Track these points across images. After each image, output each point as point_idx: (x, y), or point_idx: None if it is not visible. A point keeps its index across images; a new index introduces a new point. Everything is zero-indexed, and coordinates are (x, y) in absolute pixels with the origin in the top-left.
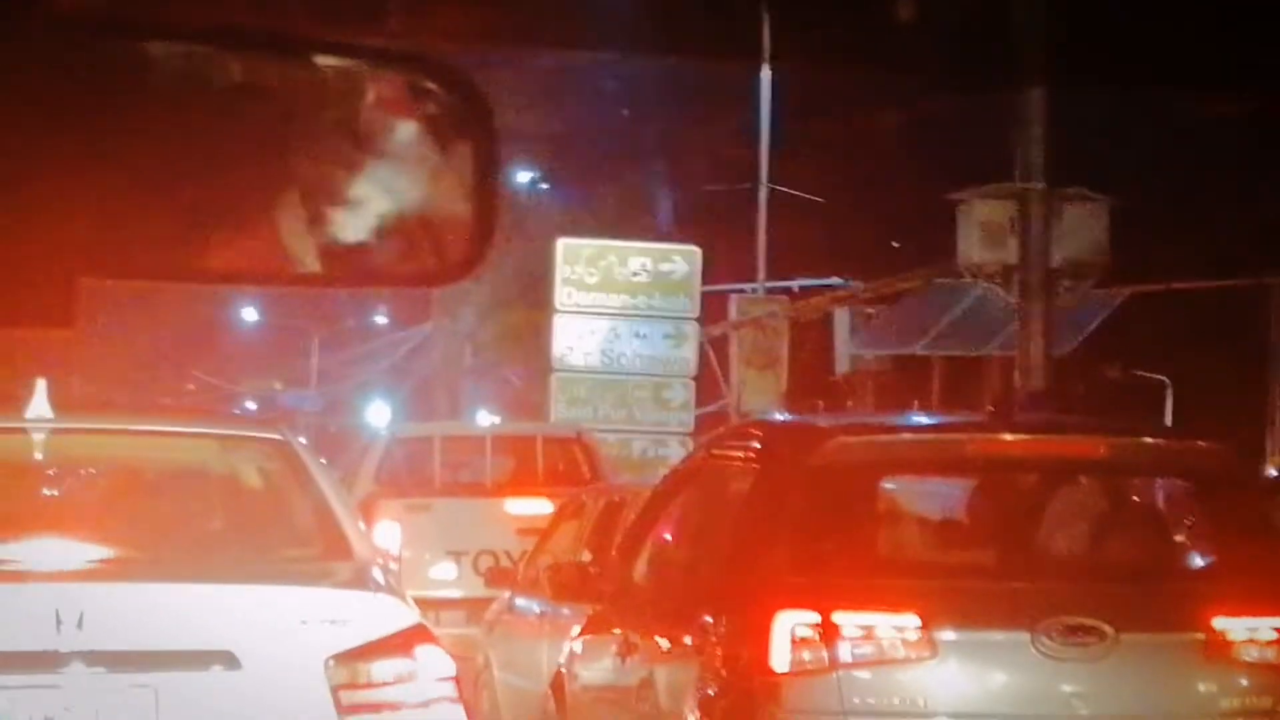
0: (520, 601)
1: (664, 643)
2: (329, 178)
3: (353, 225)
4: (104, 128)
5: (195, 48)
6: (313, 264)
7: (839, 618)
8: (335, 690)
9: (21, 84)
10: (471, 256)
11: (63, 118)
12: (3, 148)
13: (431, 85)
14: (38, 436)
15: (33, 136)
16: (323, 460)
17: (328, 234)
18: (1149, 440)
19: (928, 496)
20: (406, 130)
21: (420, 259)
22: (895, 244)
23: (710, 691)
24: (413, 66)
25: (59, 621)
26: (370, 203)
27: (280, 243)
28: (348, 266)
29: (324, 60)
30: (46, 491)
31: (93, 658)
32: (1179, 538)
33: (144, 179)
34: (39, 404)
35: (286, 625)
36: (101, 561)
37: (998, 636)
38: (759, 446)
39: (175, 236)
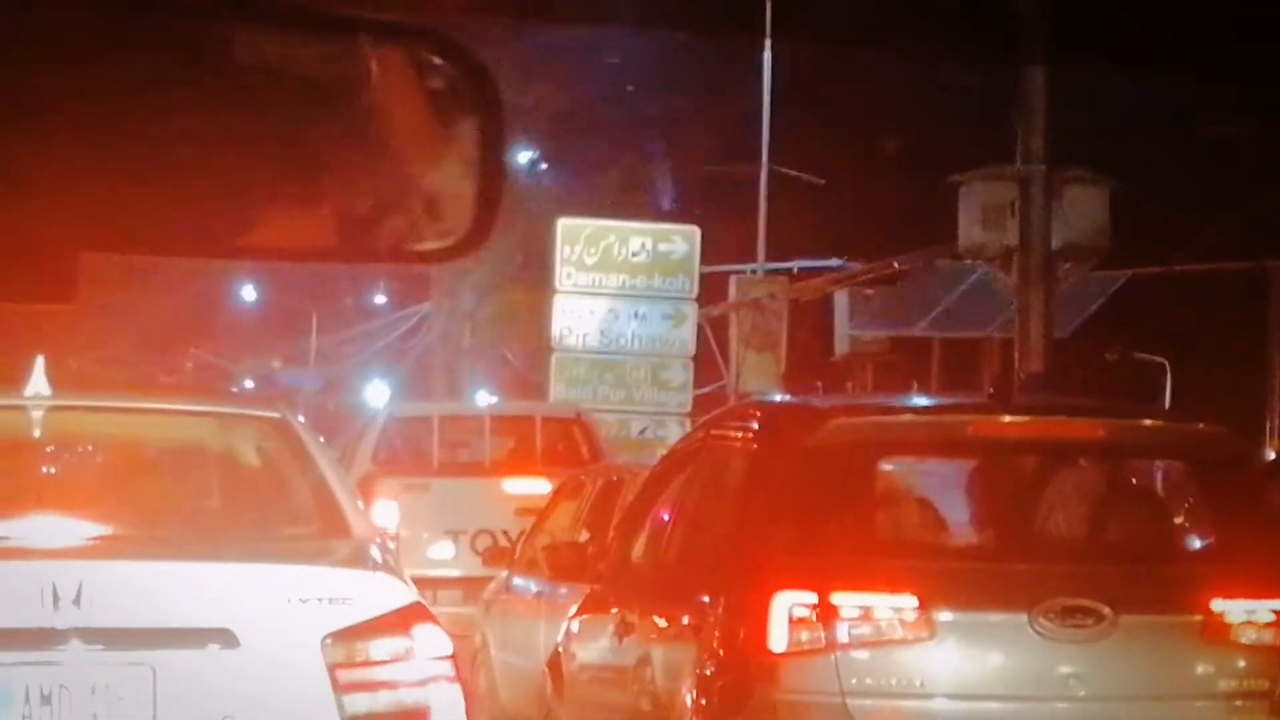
0: (518, 581)
1: (662, 623)
2: (332, 152)
3: (355, 201)
4: (105, 101)
5: (195, 20)
6: (315, 239)
7: (837, 598)
8: (332, 668)
9: (22, 58)
10: (475, 234)
11: (64, 91)
12: (4, 122)
13: (436, 60)
14: (36, 414)
15: (34, 111)
16: (321, 439)
17: (330, 209)
18: (1148, 422)
19: (926, 477)
20: (410, 105)
21: (423, 236)
22: (894, 225)
23: (708, 671)
24: (418, 40)
25: (56, 598)
26: (373, 178)
27: (283, 218)
28: (350, 242)
29: (327, 33)
30: (45, 469)
31: (90, 635)
32: (1178, 520)
33: (145, 153)
34: (37, 381)
35: (284, 603)
36: (99, 539)
37: (996, 618)
38: (757, 427)
39: (177, 211)
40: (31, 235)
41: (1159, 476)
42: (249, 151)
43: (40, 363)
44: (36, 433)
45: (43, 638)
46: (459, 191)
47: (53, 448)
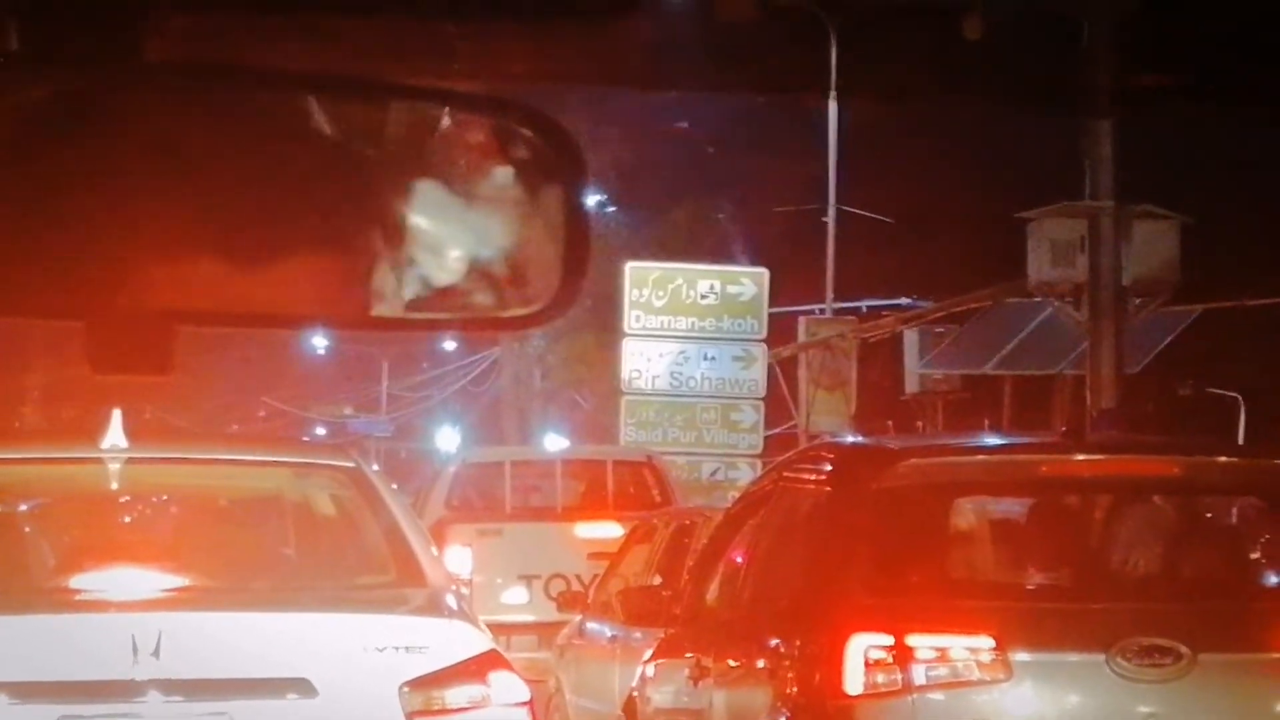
0: (592, 625)
1: (736, 666)
2: (419, 223)
3: (442, 269)
4: (202, 176)
5: (287, 96)
6: (402, 309)
7: (913, 640)
8: (410, 717)
9: (118, 134)
10: (561, 298)
11: (160, 168)
12: (101, 199)
13: (522, 129)
14: (113, 466)
15: (134, 185)
16: (394, 486)
17: (417, 279)
18: (1223, 459)
19: (1001, 518)
20: (496, 175)
21: (508, 303)
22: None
23: (783, 715)
24: (503, 111)
25: (135, 650)
26: (459, 247)
27: (371, 288)
28: (437, 311)
29: (413, 104)
30: (122, 520)
31: (169, 686)
32: (1254, 556)
33: (237, 228)
34: (114, 434)
35: (361, 652)
36: (177, 590)
37: (1073, 658)
38: (830, 469)
39: (269, 284)
40: (128, 310)
41: (1235, 513)
42: (335, 224)
43: (117, 415)
44: (114, 485)
45: (123, 689)
46: (547, 258)
47: (129, 499)
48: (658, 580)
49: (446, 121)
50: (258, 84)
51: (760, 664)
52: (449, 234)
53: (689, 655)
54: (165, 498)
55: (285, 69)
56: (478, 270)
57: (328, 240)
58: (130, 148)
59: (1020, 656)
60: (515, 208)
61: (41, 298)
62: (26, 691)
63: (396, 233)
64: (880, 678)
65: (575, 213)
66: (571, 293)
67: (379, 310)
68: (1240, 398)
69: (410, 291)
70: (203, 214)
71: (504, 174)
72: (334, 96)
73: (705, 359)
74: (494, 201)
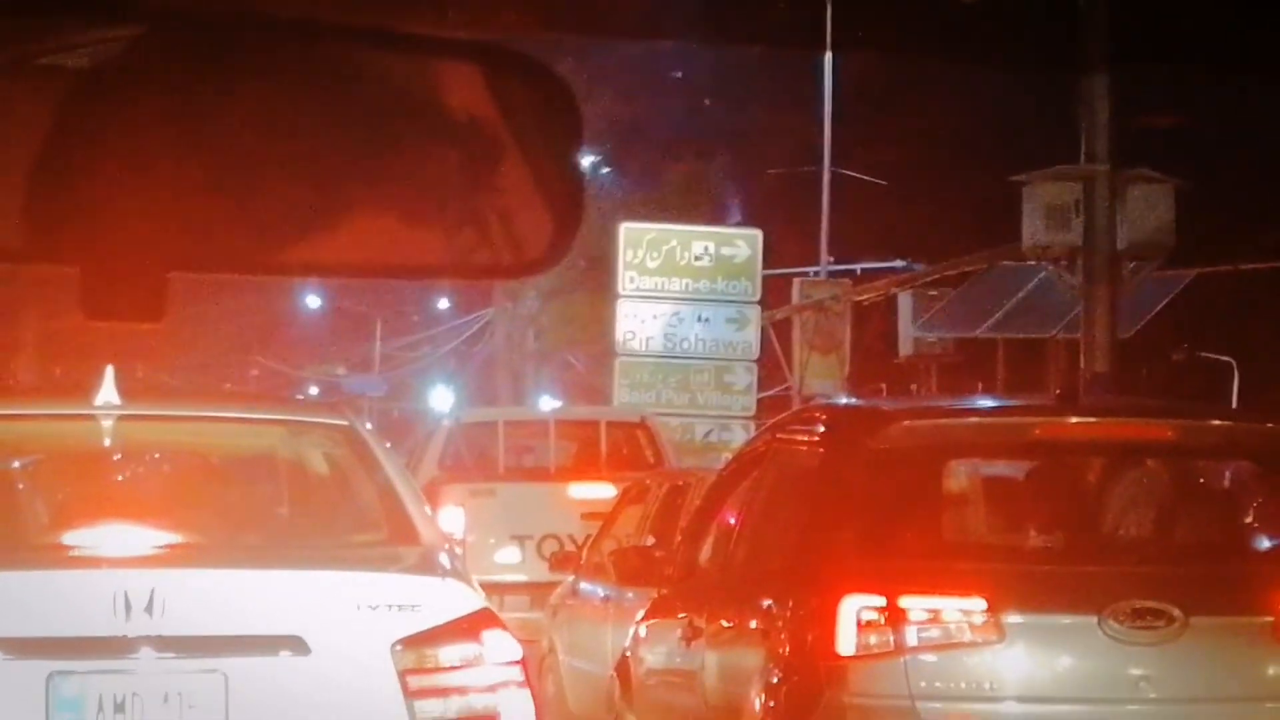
0: (585, 586)
1: (729, 627)
2: (412, 172)
3: (434, 218)
4: (192, 124)
5: (279, 43)
6: (393, 256)
7: (905, 601)
8: (403, 674)
9: (114, 85)
10: (553, 250)
11: (154, 114)
12: (98, 146)
13: (516, 78)
14: (106, 423)
15: (125, 133)
16: (388, 445)
17: (408, 226)
18: (1216, 422)
19: (993, 480)
20: (490, 124)
21: (502, 252)
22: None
23: (775, 675)
24: (497, 59)
25: (129, 607)
26: (451, 195)
27: (362, 235)
28: (428, 259)
29: (404, 53)
30: (115, 478)
31: (162, 643)
32: (1247, 520)
33: (229, 174)
34: (107, 391)
35: (354, 610)
36: (170, 547)
37: (1065, 620)
38: (823, 430)
39: (261, 231)
40: (122, 255)
41: (1227, 477)
42: (328, 171)
43: (110, 372)
44: (106, 442)
45: (116, 646)
46: (540, 208)
47: (122, 456)
48: (651, 541)
49: (440, 69)
50: (250, 31)
51: (753, 624)
52: (442, 181)
53: (681, 616)
54: (158, 455)
55: (277, 15)
56: (471, 218)
57: (320, 188)
58: (125, 93)
59: (1013, 618)
60: (508, 154)
61: (36, 242)
62: (18, 647)
63: (389, 179)
64: (873, 639)
65: (568, 160)
66: (566, 241)
67: (369, 258)
68: (1234, 362)
69: (402, 239)
70: (195, 160)
71: (497, 121)
72: (327, 43)
73: (699, 320)
74: (487, 148)
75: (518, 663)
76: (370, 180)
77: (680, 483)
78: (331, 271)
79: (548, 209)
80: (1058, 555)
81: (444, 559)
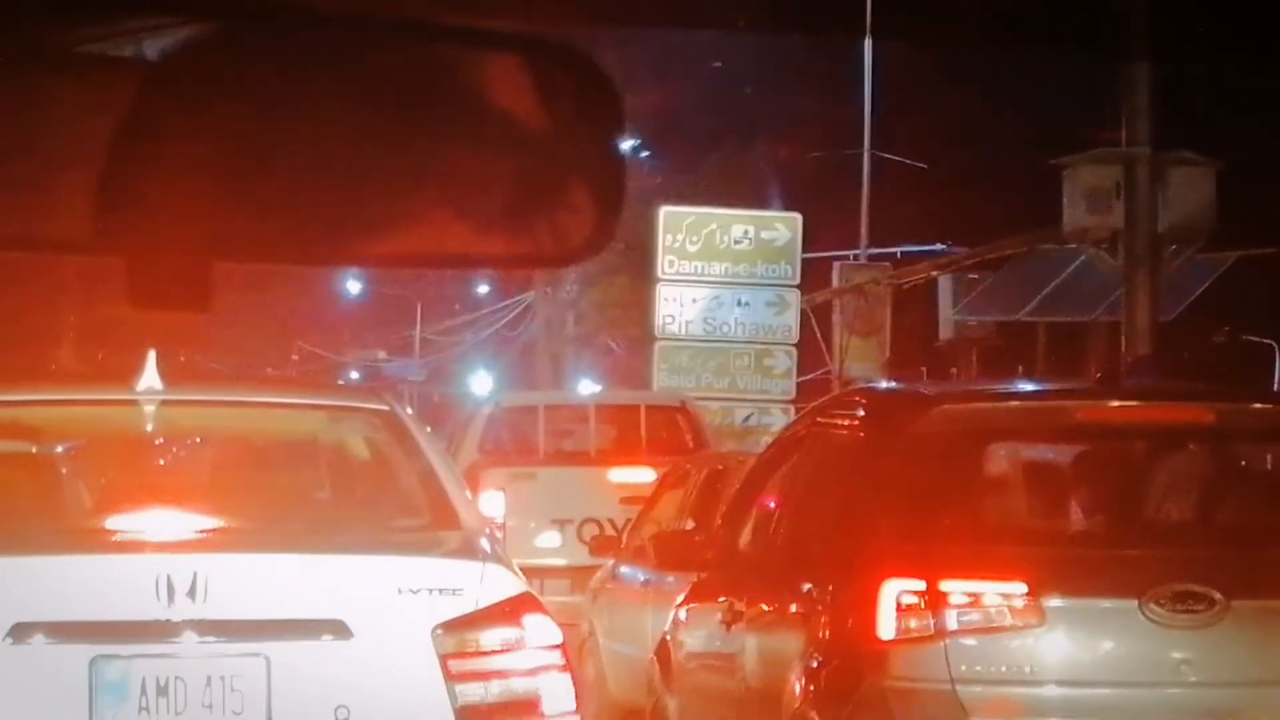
0: (625, 570)
1: (769, 610)
2: (455, 161)
3: (477, 208)
4: (238, 114)
5: (327, 34)
6: (437, 246)
7: (946, 585)
8: (444, 659)
9: (161, 76)
10: (596, 239)
11: (200, 105)
12: (145, 136)
13: (557, 68)
14: (148, 409)
15: (172, 124)
16: (429, 430)
17: (452, 216)
18: (1258, 405)
19: (1034, 464)
20: (533, 113)
21: (544, 241)
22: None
23: (816, 659)
24: (541, 50)
25: (171, 591)
26: (497, 186)
27: (405, 225)
28: (472, 248)
29: (449, 45)
30: (157, 463)
31: (205, 627)
32: None
33: (275, 164)
34: (149, 376)
35: (395, 594)
36: (212, 532)
37: (1106, 604)
38: (864, 414)
39: (305, 220)
40: (169, 245)
41: (1270, 460)
42: (373, 161)
43: (152, 357)
44: (149, 427)
45: (158, 630)
46: (582, 196)
47: (164, 441)
48: (690, 525)
49: (484, 60)
50: (294, 22)
51: (793, 608)
52: (485, 170)
53: (721, 600)
54: (200, 440)
55: (320, 8)
56: (514, 207)
57: (365, 178)
58: (173, 84)
59: (1053, 602)
60: (550, 143)
61: (83, 233)
62: (62, 631)
63: (432, 169)
64: (913, 623)
65: (610, 148)
66: (608, 229)
67: (412, 247)
68: (1275, 345)
69: (445, 228)
70: (242, 150)
71: (540, 111)
72: (374, 35)
73: (739, 304)
74: (530, 137)
75: (558, 646)
76: (414, 170)
77: (720, 467)
78: (375, 261)
79: (590, 197)
80: (1098, 539)
81: (485, 543)
